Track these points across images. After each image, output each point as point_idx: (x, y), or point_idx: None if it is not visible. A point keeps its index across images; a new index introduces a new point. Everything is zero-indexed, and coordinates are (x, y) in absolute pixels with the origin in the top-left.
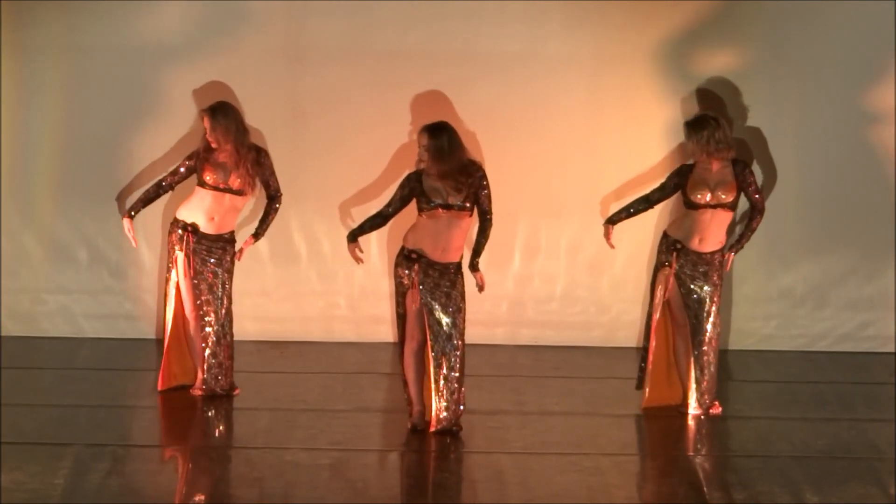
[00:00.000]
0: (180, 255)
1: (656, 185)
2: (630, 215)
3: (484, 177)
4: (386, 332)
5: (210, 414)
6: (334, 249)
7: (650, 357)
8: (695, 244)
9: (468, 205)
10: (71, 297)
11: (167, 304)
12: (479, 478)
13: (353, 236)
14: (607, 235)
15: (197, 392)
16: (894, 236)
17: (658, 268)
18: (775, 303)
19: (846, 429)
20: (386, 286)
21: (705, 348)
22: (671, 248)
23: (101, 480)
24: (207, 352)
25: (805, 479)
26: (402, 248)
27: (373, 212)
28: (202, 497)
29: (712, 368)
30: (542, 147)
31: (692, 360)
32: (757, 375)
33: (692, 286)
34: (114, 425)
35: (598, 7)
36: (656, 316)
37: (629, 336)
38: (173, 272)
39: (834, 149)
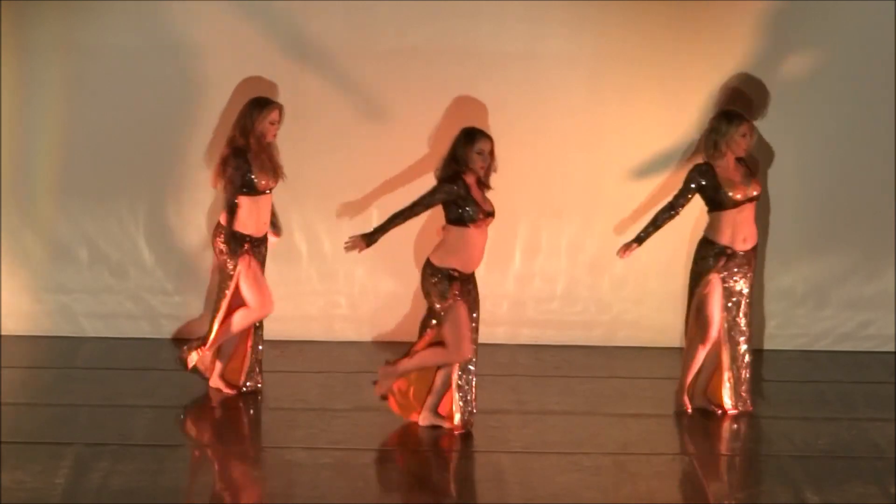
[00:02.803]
0: (243, 265)
1: (676, 191)
2: (657, 228)
3: None
4: (386, 331)
5: (210, 413)
6: (335, 248)
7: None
8: (740, 244)
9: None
10: (71, 297)
11: (221, 308)
12: (479, 477)
13: (373, 239)
14: (627, 252)
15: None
16: (894, 236)
17: (702, 273)
18: (775, 302)
19: (846, 428)
20: (386, 285)
21: (744, 346)
22: (721, 253)
23: (101, 480)
24: (259, 349)
25: (805, 478)
26: (439, 267)
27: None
28: (203, 496)
29: (747, 366)
30: (543, 146)
31: (729, 359)
32: (757, 375)
33: (734, 287)
34: (114, 425)
35: (598, 6)
36: (714, 328)
37: (630, 335)
38: (233, 279)
39: (834, 148)
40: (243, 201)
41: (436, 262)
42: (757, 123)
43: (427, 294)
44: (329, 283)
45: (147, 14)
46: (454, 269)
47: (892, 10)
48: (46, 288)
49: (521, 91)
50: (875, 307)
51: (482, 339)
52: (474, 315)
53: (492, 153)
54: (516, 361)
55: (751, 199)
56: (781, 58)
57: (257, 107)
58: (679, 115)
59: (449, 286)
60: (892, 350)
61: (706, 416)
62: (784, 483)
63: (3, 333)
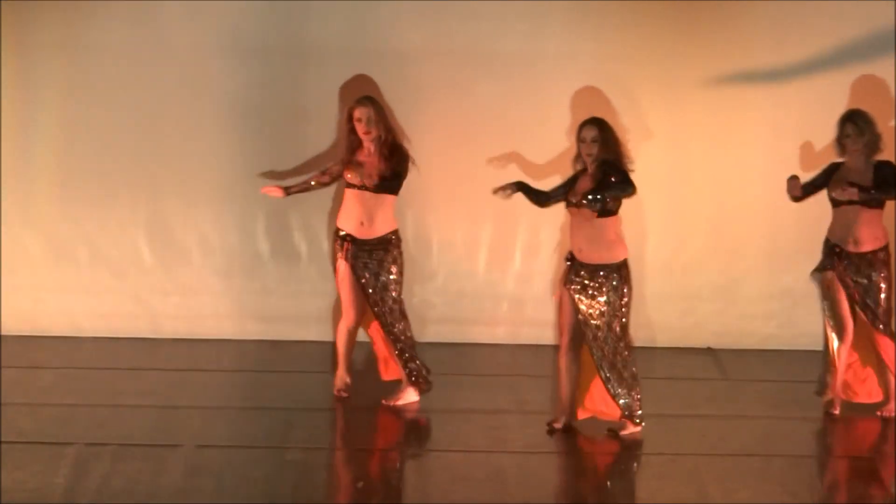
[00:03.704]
0: (341, 263)
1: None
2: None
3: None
4: None
5: (210, 414)
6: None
7: (834, 364)
8: (851, 246)
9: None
10: (71, 296)
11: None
12: (480, 477)
13: (520, 187)
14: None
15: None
16: (894, 236)
17: (820, 270)
18: (776, 302)
19: (846, 428)
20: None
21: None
22: (831, 251)
23: (101, 480)
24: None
25: (805, 478)
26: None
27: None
28: (203, 496)
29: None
30: (542, 146)
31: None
32: (758, 375)
33: (856, 289)
34: (114, 425)
35: (598, 6)
36: (846, 327)
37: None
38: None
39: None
40: (345, 192)
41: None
42: (756, 121)
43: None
44: (329, 283)
45: (147, 14)
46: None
47: (891, 9)
48: (46, 288)
49: (521, 91)
50: None
51: (482, 339)
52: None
53: (595, 140)
54: (516, 361)
55: (850, 203)
56: (781, 57)
57: (349, 107)
58: (678, 114)
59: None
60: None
61: (704, 417)
62: (784, 483)
63: (3, 333)
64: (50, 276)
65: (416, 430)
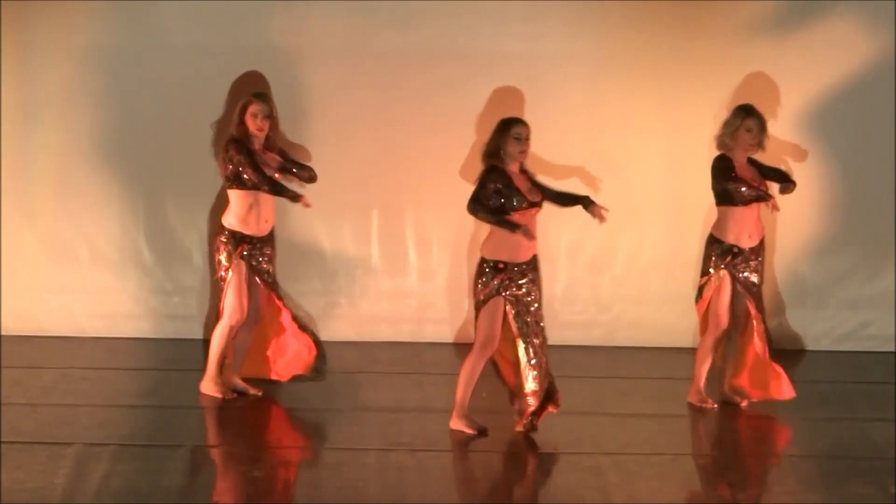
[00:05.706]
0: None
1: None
2: None
3: None
4: (386, 331)
5: (210, 413)
6: (335, 248)
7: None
8: (745, 241)
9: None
10: (72, 296)
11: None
12: (480, 478)
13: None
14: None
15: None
16: (894, 236)
17: (706, 271)
18: (776, 302)
19: (846, 428)
20: (385, 285)
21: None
22: (727, 252)
23: (101, 480)
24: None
25: (805, 478)
26: (485, 260)
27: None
28: (204, 496)
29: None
30: (542, 146)
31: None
32: None
33: (746, 281)
34: (114, 425)
35: (598, 6)
36: (723, 321)
37: (630, 336)
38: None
39: (833, 148)
40: (234, 195)
41: (486, 255)
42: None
43: (473, 289)
44: (329, 283)
45: (148, 15)
46: (501, 262)
47: (891, 10)
48: (47, 288)
49: (521, 91)
50: (875, 307)
51: None
52: (532, 309)
53: (527, 139)
54: None
55: (758, 199)
56: (781, 58)
57: (245, 101)
58: (678, 114)
59: (493, 278)
60: (892, 350)
61: (705, 416)
62: (784, 483)
63: (3, 333)
64: (50, 276)
65: (414, 430)
